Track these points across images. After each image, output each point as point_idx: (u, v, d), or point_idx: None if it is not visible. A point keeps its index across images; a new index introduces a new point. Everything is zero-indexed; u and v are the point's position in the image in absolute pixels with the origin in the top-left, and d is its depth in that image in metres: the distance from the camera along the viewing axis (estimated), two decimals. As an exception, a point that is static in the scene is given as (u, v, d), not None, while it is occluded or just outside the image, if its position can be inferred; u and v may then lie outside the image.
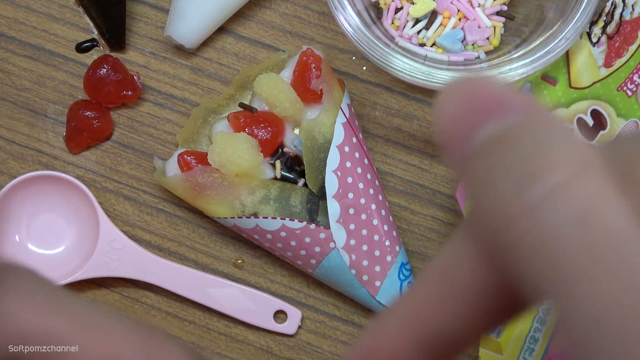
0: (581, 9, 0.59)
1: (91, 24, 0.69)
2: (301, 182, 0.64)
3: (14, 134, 0.69)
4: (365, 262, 0.63)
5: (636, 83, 0.56)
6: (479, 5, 0.67)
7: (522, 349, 0.55)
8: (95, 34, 0.69)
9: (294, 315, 0.67)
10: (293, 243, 0.63)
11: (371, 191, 0.64)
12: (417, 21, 0.67)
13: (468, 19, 0.66)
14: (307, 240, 0.63)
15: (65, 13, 0.70)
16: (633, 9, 0.59)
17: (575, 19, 0.59)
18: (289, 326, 0.67)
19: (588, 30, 0.61)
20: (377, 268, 0.64)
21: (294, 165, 0.65)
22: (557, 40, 0.59)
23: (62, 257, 0.67)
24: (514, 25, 0.67)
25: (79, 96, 0.69)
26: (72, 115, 0.68)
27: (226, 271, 0.68)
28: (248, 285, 0.68)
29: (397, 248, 0.65)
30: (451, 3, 0.66)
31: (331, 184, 0.62)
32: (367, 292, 0.64)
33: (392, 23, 0.67)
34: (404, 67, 0.60)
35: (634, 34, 0.58)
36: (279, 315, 0.68)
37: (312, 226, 0.62)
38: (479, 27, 0.66)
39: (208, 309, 0.68)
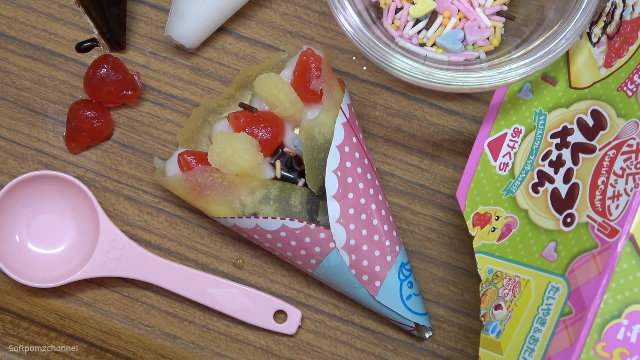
0: (581, 9, 0.59)
1: (91, 24, 0.69)
2: (301, 182, 0.64)
3: (14, 133, 0.69)
4: (365, 262, 0.63)
5: (636, 83, 0.56)
6: (479, 5, 0.67)
7: (522, 349, 0.55)
8: (95, 33, 0.69)
9: (294, 315, 0.67)
10: (293, 243, 0.63)
11: (371, 191, 0.64)
12: (417, 21, 0.67)
13: (468, 19, 0.66)
14: (307, 240, 0.63)
15: (66, 13, 0.70)
16: (633, 9, 0.59)
17: (576, 19, 0.59)
18: (289, 326, 0.67)
19: (588, 31, 0.61)
20: (377, 268, 0.64)
21: (294, 165, 0.65)
22: (557, 41, 0.59)
23: (62, 257, 0.67)
24: (514, 26, 0.67)
25: (79, 96, 0.69)
26: (72, 115, 0.68)
27: (226, 271, 0.68)
28: (248, 285, 0.68)
29: (397, 248, 0.65)
30: (451, 3, 0.66)
31: (331, 184, 0.62)
32: (367, 292, 0.64)
33: (392, 23, 0.67)
34: (404, 67, 0.60)
35: (634, 34, 0.58)
36: (279, 315, 0.68)
37: (312, 226, 0.62)
38: (479, 27, 0.66)
39: (208, 309, 0.68)
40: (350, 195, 0.63)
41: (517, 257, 0.58)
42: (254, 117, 0.64)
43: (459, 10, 0.66)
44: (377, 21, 0.66)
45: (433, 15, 0.67)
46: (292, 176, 0.65)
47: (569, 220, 0.56)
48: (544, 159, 0.59)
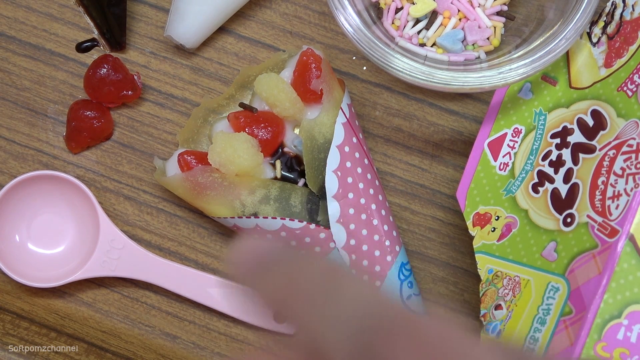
0: (581, 9, 0.59)
1: (91, 24, 0.69)
2: (301, 182, 0.64)
3: (14, 133, 0.69)
4: (365, 262, 0.63)
5: (636, 83, 0.56)
6: (479, 5, 0.67)
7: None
8: (95, 33, 0.69)
9: (294, 315, 0.67)
10: (293, 243, 0.63)
11: (371, 191, 0.64)
12: (417, 21, 0.67)
13: (468, 19, 0.66)
14: (307, 240, 0.63)
15: (66, 13, 0.70)
16: (633, 9, 0.59)
17: (576, 19, 0.59)
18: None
19: (588, 31, 0.61)
20: (377, 268, 0.64)
21: (294, 165, 0.65)
22: (557, 40, 0.59)
23: (62, 257, 0.67)
24: (514, 25, 0.67)
25: (79, 96, 0.69)
26: (72, 115, 0.68)
27: (226, 271, 0.68)
28: (248, 285, 0.68)
29: (397, 248, 0.65)
30: (451, 3, 0.66)
31: (331, 184, 0.62)
32: (367, 292, 0.64)
33: (393, 23, 0.67)
34: (404, 67, 0.60)
35: (634, 34, 0.58)
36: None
37: (312, 226, 0.62)
38: (479, 27, 0.66)
39: (208, 308, 0.68)
40: (350, 195, 0.63)
41: (517, 257, 0.58)
42: (254, 117, 0.64)
43: (459, 10, 0.66)
44: (377, 21, 0.66)
45: (433, 15, 0.67)
46: (292, 176, 0.65)
47: (569, 220, 0.56)
48: (544, 159, 0.59)
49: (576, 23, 0.59)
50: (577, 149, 0.57)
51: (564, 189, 0.57)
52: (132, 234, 0.68)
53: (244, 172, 0.63)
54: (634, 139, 0.54)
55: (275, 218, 0.62)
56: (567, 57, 0.61)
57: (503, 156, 0.62)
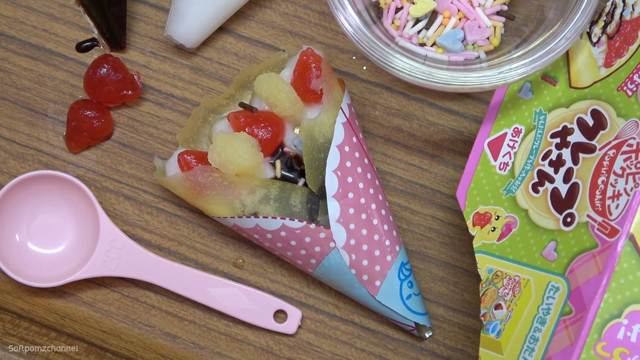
0: (581, 9, 0.59)
1: (91, 24, 0.69)
2: (301, 181, 0.64)
3: (14, 133, 0.69)
4: (365, 262, 0.63)
5: (636, 83, 0.56)
6: (479, 5, 0.67)
7: (522, 349, 0.55)
8: (95, 33, 0.69)
9: (294, 315, 0.67)
10: (293, 243, 0.63)
11: (371, 191, 0.64)
12: (417, 21, 0.67)
13: (468, 19, 0.66)
14: (307, 240, 0.63)
15: (66, 12, 0.70)
16: (633, 9, 0.59)
17: (576, 19, 0.59)
18: (289, 326, 0.67)
19: (588, 30, 0.61)
20: (377, 268, 0.64)
21: (294, 165, 0.65)
22: (557, 40, 0.59)
23: (62, 257, 0.67)
24: (514, 25, 0.67)
25: (79, 96, 0.69)
26: (72, 115, 0.68)
27: (226, 271, 0.68)
28: (248, 285, 0.68)
29: (397, 248, 0.65)
30: (451, 3, 0.66)
31: (331, 184, 0.62)
32: (367, 291, 0.64)
33: (392, 23, 0.67)
34: (404, 67, 0.60)
35: (634, 34, 0.58)
36: (279, 315, 0.68)
37: (312, 226, 0.62)
38: (479, 27, 0.66)
39: (208, 308, 0.68)
40: (350, 195, 0.63)
41: (517, 257, 0.58)
42: (254, 117, 0.64)
43: (459, 10, 0.66)
44: (377, 21, 0.66)
45: (433, 15, 0.67)
46: (292, 176, 0.65)
47: (569, 219, 0.56)
48: (544, 158, 0.59)
49: (576, 23, 0.59)
50: (577, 148, 0.57)
51: (564, 189, 0.57)
52: (132, 233, 0.68)
53: (244, 172, 0.63)
54: (634, 138, 0.54)
55: (275, 218, 0.62)
56: (567, 57, 0.61)
57: (503, 156, 0.62)
